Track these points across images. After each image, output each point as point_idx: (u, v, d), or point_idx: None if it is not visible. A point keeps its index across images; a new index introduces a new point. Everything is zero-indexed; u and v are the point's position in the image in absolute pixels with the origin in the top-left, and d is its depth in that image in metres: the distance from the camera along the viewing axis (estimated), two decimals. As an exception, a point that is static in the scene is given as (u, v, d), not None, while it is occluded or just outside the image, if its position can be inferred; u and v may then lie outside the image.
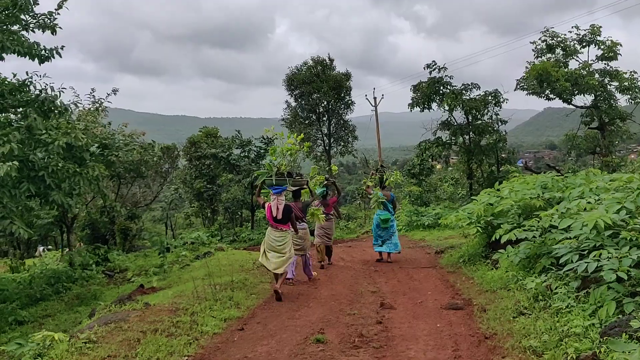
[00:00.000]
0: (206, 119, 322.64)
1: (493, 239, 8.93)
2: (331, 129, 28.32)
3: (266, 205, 8.50)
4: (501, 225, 8.94)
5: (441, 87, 20.84)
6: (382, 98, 35.99)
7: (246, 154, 25.12)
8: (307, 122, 28.08)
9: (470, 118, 21.04)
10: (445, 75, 21.08)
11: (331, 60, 27.93)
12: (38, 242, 33.23)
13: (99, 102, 14.09)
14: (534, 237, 7.56)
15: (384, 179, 11.88)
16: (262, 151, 25.27)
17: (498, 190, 10.10)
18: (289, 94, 28.07)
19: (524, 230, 7.88)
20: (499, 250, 8.29)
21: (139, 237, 19.32)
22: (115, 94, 14.12)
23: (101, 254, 13.81)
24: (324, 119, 28.06)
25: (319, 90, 27.06)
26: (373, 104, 35.43)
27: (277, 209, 8.24)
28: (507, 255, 7.92)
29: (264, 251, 8.38)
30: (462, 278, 9.26)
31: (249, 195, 25.20)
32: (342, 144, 28.58)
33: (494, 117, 20.83)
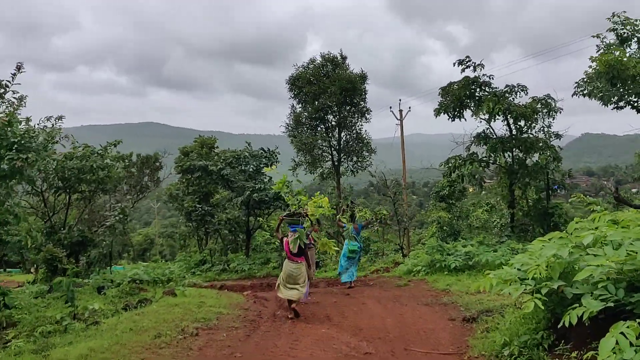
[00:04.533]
0: (239, 135, 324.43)
1: (564, 322, 4.77)
2: (342, 142, 23.60)
3: (284, 240, 9.38)
4: (581, 299, 4.88)
5: (477, 89, 16.25)
6: (409, 111, 31.89)
7: (243, 168, 21.25)
8: (311, 130, 23.28)
9: (515, 130, 16.54)
10: (483, 74, 16.50)
11: (344, 58, 23.30)
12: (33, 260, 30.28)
13: (3, 86, 10.34)
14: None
15: (355, 214, 13.34)
16: (261, 165, 21.41)
17: (570, 235, 5.93)
18: (292, 97, 23.39)
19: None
20: (585, 357, 4.17)
21: (95, 268, 15.48)
22: (20, 70, 10.40)
23: (-5, 297, 10.03)
24: (335, 132, 23.29)
25: (326, 90, 22.08)
26: (398, 117, 31.36)
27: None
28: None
29: (281, 284, 9.15)
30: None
31: (244, 217, 21.33)
32: (355, 159, 23.86)
33: (545, 129, 16.31)
